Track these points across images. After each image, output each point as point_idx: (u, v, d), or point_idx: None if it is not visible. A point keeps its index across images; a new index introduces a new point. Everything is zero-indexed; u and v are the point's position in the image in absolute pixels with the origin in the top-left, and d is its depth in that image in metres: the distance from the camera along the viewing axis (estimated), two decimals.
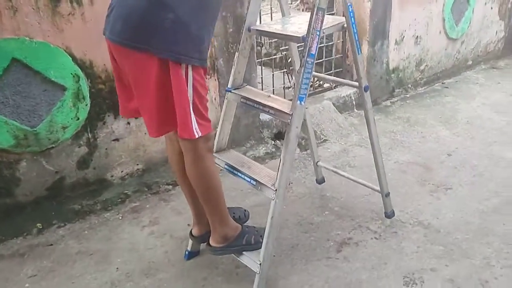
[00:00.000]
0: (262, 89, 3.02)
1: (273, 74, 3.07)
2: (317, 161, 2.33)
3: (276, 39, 3.28)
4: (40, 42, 1.97)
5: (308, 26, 1.52)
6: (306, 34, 1.53)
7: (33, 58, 1.96)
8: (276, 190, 1.60)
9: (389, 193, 2.04)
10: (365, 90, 1.84)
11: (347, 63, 3.37)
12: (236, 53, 1.81)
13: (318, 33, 1.53)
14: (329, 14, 2.86)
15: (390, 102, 3.57)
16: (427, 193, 2.31)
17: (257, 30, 1.77)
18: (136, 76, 1.41)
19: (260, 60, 3.16)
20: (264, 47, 3.36)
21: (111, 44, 1.40)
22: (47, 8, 1.96)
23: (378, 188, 2.03)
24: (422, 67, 3.81)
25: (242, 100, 1.79)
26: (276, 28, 1.77)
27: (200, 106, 1.44)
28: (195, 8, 1.33)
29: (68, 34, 2.04)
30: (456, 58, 4.14)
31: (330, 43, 3.36)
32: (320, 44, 3.33)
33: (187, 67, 1.36)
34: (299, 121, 1.58)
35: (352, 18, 1.68)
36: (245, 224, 1.84)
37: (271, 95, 1.79)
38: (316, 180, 2.40)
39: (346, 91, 3.33)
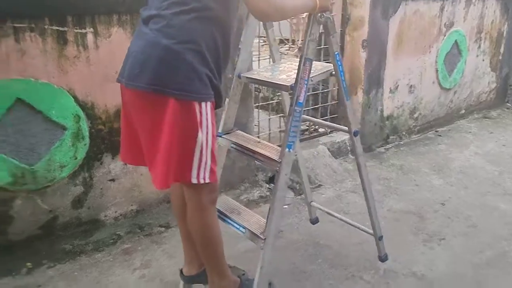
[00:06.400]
0: (259, 133, 3.07)
1: (269, 119, 3.13)
2: (311, 201, 2.34)
3: None
4: (45, 83, 2.02)
5: (296, 76, 1.56)
6: (294, 84, 1.57)
7: (36, 98, 2.01)
8: (265, 239, 1.59)
9: (382, 236, 2.03)
10: (355, 135, 1.86)
11: (343, 109, 3.45)
12: (227, 98, 1.84)
13: (306, 82, 1.56)
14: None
15: (384, 148, 3.62)
16: (421, 243, 2.31)
17: (247, 77, 1.81)
18: (148, 121, 1.42)
19: (257, 104, 3.24)
20: (261, 91, 3.45)
21: (127, 90, 1.42)
22: (54, 51, 2.03)
23: (371, 231, 2.03)
24: (415, 115, 3.90)
25: (232, 145, 1.80)
26: (265, 75, 1.81)
27: (213, 148, 1.45)
28: (205, 54, 1.38)
29: (72, 76, 2.10)
30: (449, 107, 4.25)
31: (326, 90, 3.45)
32: (316, 90, 3.43)
33: (200, 106, 1.38)
34: (287, 168, 1.59)
35: (340, 66, 1.71)
36: (244, 276, 1.82)
37: (261, 140, 1.80)
38: (310, 220, 2.41)
39: (341, 137, 3.39)
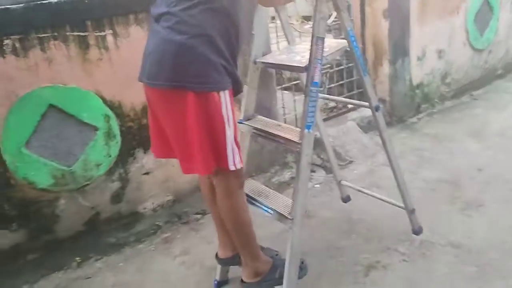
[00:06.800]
0: (285, 115, 3.07)
1: (294, 100, 3.13)
2: (340, 180, 2.34)
3: None
4: (73, 87, 2.12)
5: (309, 56, 1.55)
6: (308, 64, 1.56)
7: (67, 103, 2.11)
8: (292, 219, 1.62)
9: (414, 209, 2.01)
10: (376, 110, 1.85)
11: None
12: (245, 85, 1.85)
13: (319, 61, 1.55)
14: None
15: (417, 118, 3.53)
16: (458, 211, 2.26)
17: (262, 62, 1.83)
18: (173, 118, 1.47)
19: (283, 86, 3.24)
20: (283, 73, 3.44)
21: (149, 89, 1.49)
22: (78, 56, 2.12)
23: (402, 205, 2.02)
24: (448, 81, 3.76)
25: (253, 131, 1.83)
26: (280, 58, 1.82)
27: (235, 134, 1.51)
28: (218, 44, 1.42)
29: (98, 78, 2.18)
30: (484, 68, 4.06)
31: (351, 65, 3.38)
32: (340, 66, 3.36)
33: (219, 95, 1.43)
34: (308, 149, 1.59)
35: (354, 42, 1.70)
36: (277, 256, 1.87)
37: (282, 124, 1.82)
38: (342, 199, 2.42)
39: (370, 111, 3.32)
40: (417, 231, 2.05)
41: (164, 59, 1.39)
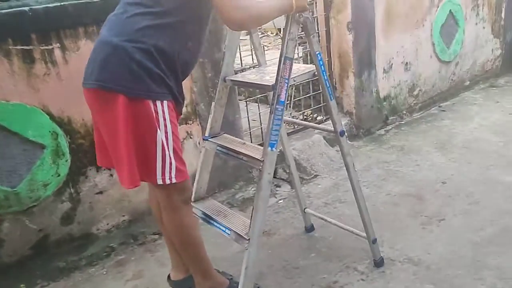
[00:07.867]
0: (250, 129, 3.01)
1: (259, 113, 3.07)
2: (305, 208, 2.24)
3: None
4: (17, 103, 2.01)
5: (277, 75, 1.54)
6: (275, 82, 1.55)
7: (10, 120, 2.00)
8: (249, 239, 1.56)
9: (375, 239, 1.92)
10: (341, 135, 1.79)
11: (336, 95, 3.36)
12: (213, 102, 1.84)
13: (286, 81, 1.55)
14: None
15: (384, 130, 3.51)
16: (419, 226, 2.22)
17: (231, 80, 1.82)
18: (105, 121, 1.42)
19: (249, 98, 3.19)
20: None
21: (84, 90, 1.43)
22: (22, 71, 2.01)
23: (364, 234, 1.94)
24: (415, 93, 3.77)
25: (218, 148, 1.80)
26: (249, 78, 1.82)
27: (176, 148, 1.44)
28: (153, 53, 1.37)
29: (45, 94, 2.08)
30: (452, 80, 4.10)
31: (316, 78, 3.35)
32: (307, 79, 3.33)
33: (155, 105, 1.37)
34: (270, 167, 1.57)
35: (322, 66, 1.69)
36: (232, 279, 1.78)
37: (246, 142, 1.80)
38: (305, 228, 2.29)
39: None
40: (379, 263, 1.94)
41: (97, 59, 1.36)
